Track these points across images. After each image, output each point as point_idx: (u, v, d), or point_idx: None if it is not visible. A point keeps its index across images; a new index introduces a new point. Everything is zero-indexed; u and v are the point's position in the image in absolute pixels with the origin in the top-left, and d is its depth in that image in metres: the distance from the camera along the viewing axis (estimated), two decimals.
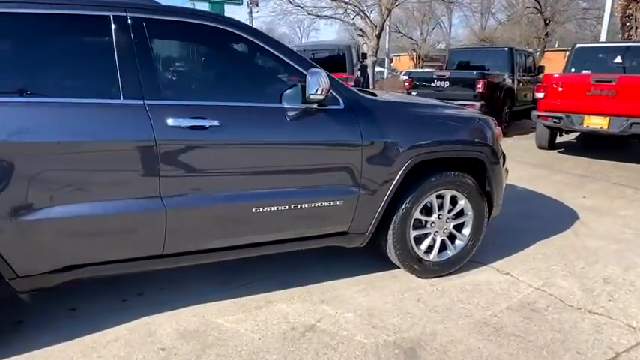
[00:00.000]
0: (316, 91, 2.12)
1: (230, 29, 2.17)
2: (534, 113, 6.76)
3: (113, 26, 1.97)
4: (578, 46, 7.35)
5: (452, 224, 2.81)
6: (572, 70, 6.99)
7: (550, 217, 3.99)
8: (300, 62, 2.32)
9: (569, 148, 7.51)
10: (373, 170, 2.46)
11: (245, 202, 2.23)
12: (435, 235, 2.78)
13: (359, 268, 2.92)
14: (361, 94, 2.54)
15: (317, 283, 2.73)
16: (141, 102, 1.98)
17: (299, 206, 2.34)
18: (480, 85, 7.91)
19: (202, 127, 2.07)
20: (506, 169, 3.03)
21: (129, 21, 2.00)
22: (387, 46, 18.84)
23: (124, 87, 1.97)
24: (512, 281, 2.81)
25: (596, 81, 6.03)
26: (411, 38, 30.23)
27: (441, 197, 2.73)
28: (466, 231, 2.86)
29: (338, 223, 2.50)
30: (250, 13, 26.52)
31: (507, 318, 2.39)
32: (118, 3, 2.00)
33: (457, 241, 2.87)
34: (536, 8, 19.84)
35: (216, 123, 2.10)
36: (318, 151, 2.34)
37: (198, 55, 2.18)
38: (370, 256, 2.95)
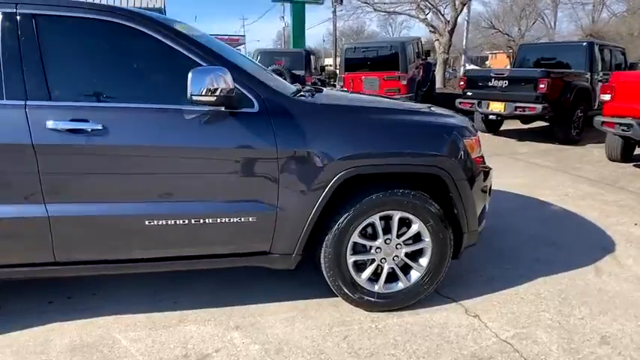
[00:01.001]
0: (200, 91, 1.86)
1: (127, 23, 1.99)
2: (598, 119, 5.72)
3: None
4: None
5: (404, 251, 2.36)
6: None
7: (575, 247, 3.26)
8: (214, 60, 2.06)
9: None
10: (294, 184, 2.13)
11: (136, 214, 2.04)
12: (381, 262, 2.36)
13: (302, 290, 2.59)
14: (289, 95, 2.21)
15: (246, 305, 2.47)
16: (22, 103, 1.89)
17: (201, 221, 2.09)
18: (542, 85, 6.90)
19: (83, 131, 1.92)
20: (483, 188, 2.47)
21: (17, 17, 1.91)
22: (464, 43, 17.51)
23: (7, 87, 1.89)
24: (476, 327, 2.29)
25: None
26: (507, 35, 27.92)
27: (388, 218, 2.30)
28: (423, 260, 2.39)
29: (254, 242, 2.21)
30: (334, 12, 26.59)
31: None
32: None
33: (413, 272, 2.41)
34: None
35: (99, 126, 1.93)
36: (221, 159, 2.06)
37: (92, 52, 2.04)
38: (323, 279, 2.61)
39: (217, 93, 1.89)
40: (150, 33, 2.02)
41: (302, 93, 2.35)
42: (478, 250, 3.15)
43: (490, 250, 3.19)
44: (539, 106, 6.81)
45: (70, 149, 1.93)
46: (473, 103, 7.81)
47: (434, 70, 11.81)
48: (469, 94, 7.87)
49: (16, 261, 2.05)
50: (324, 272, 2.31)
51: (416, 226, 2.32)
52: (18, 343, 2.15)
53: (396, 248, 2.35)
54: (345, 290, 2.33)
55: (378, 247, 2.33)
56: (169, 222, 2.07)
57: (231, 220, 2.12)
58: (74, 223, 2.01)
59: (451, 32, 14.24)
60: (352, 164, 2.14)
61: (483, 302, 2.52)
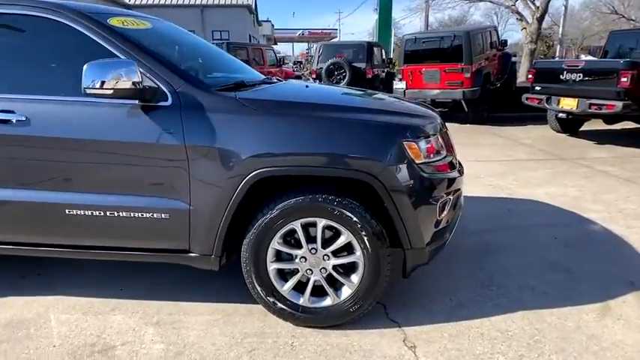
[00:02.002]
0: (93, 84, 1.83)
1: (50, 16, 2.05)
2: None
3: None
4: None
5: (332, 263, 2.12)
6: None
7: (591, 277, 2.66)
8: (132, 52, 2.04)
9: None
10: (205, 182, 2.02)
11: (57, 203, 2.11)
12: (307, 273, 2.15)
13: (241, 294, 2.47)
14: (208, 89, 2.07)
15: (180, 302, 2.44)
16: None
17: (116, 214, 2.09)
18: (624, 79, 5.77)
19: (8, 121, 2.03)
20: (434, 200, 2.10)
21: None
22: (560, 32, 15.44)
23: None
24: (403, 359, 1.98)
25: None
26: (632, 20, 24.24)
27: (314, 226, 2.08)
28: (355, 277, 2.13)
29: (171, 240, 2.15)
30: (427, 1, 25.77)
31: None
32: None
33: (344, 288, 2.16)
34: None
35: (23, 117, 2.03)
36: (133, 154, 2.02)
37: (19, 46, 2.13)
38: None
39: (113, 86, 1.85)
40: (73, 26, 2.05)
41: (246, 85, 2.23)
42: (463, 269, 2.77)
43: (478, 271, 2.76)
44: (619, 104, 5.72)
45: None
46: (541, 99, 6.86)
47: (514, 62, 10.60)
48: (537, 88, 6.92)
49: None
50: (245, 277, 2.18)
51: (344, 237, 2.06)
52: None
53: (324, 260, 2.12)
54: (265, 299, 2.17)
55: (302, 257, 2.12)
56: (87, 212, 2.11)
57: (145, 216, 2.09)
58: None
59: (540, 19, 12.62)
60: (264, 164, 1.97)
61: (431, 332, 2.17)
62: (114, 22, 2.17)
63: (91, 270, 2.78)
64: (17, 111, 2.04)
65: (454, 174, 2.26)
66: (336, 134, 2.00)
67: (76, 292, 2.54)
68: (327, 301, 2.17)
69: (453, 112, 9.86)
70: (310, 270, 2.14)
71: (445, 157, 2.24)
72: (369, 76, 10.49)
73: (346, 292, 2.15)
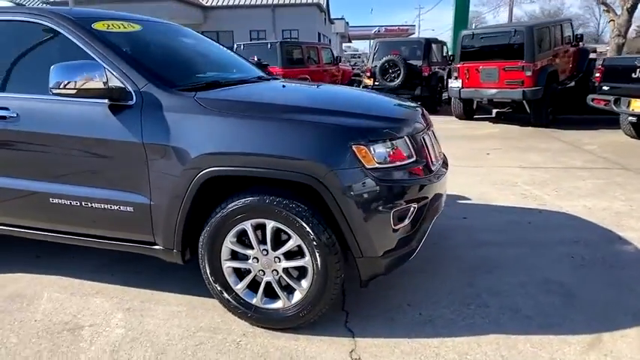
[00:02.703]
0: (57, 85, 1.99)
1: (43, 22, 2.26)
2: None
3: None
4: None
5: (282, 266, 2.10)
6: None
7: (593, 305, 2.34)
8: (105, 55, 2.18)
9: None
10: (162, 179, 2.11)
11: (43, 192, 2.33)
12: (259, 274, 2.15)
13: None
14: (169, 88, 2.14)
15: (157, 292, 2.57)
16: None
17: (89, 204, 2.26)
18: None
19: (3, 117, 2.28)
20: (387, 208, 1.97)
21: None
22: None
23: None
24: None
25: None
26: None
27: (264, 227, 2.07)
28: (305, 282, 2.08)
29: (137, 232, 2.27)
30: None
31: None
32: None
33: (296, 292, 2.13)
34: None
35: (14, 114, 2.27)
36: (101, 150, 2.17)
37: (16, 49, 2.38)
38: None
39: (77, 86, 2.00)
40: (58, 30, 2.25)
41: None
42: (450, 283, 2.60)
43: (465, 287, 2.56)
44: None
45: None
46: (608, 101, 6.12)
47: (592, 59, 9.53)
48: (605, 88, 6.17)
49: None
50: (202, 273, 2.23)
51: (292, 241, 2.03)
52: None
53: (275, 262, 2.10)
54: (220, 295, 2.21)
55: (255, 257, 2.13)
56: (66, 202, 2.30)
57: (113, 208, 2.23)
58: None
59: (631, 10, 11.16)
60: (214, 163, 2.00)
61: (383, 347, 2.06)
62: (98, 25, 2.34)
63: (93, 255, 3.02)
64: (11, 108, 2.29)
65: (423, 181, 2.12)
66: (282, 136, 1.97)
67: (74, 274, 2.79)
68: (279, 304, 2.15)
69: (516, 112, 9.19)
70: (263, 271, 2.14)
71: (413, 162, 2.11)
72: (426, 74, 10.06)
73: (297, 296, 2.12)
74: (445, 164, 2.63)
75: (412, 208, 2.08)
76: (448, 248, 3.08)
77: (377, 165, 1.96)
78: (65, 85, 2.00)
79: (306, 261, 2.04)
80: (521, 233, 3.33)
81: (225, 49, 3.32)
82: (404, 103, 2.67)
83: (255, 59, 9.81)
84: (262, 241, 2.10)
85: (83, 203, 2.28)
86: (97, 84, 2.03)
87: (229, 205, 2.05)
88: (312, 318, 2.12)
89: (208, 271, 2.19)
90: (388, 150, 2.02)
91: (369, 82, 10.51)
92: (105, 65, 2.14)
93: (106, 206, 2.24)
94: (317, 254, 1.99)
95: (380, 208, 1.96)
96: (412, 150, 2.13)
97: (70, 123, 2.21)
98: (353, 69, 14.19)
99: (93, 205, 2.26)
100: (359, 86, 11.96)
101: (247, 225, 2.07)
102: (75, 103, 2.19)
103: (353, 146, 1.92)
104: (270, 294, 2.17)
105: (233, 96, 2.27)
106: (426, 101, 10.58)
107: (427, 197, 2.15)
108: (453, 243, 3.17)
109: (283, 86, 2.72)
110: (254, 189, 2.06)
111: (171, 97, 2.12)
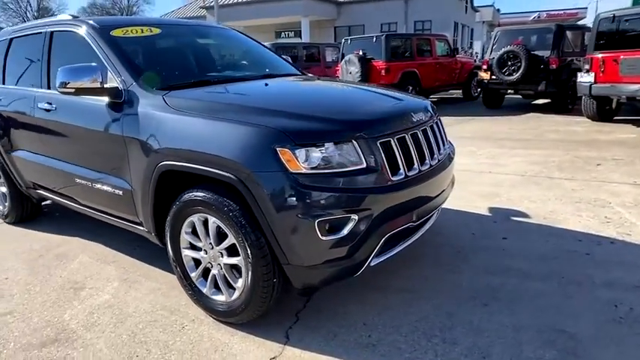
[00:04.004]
0: (61, 85, 2.36)
1: (76, 30, 2.73)
2: None
3: None
4: None
5: (224, 262, 2.15)
6: None
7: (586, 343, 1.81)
8: (108, 61, 2.52)
9: None
10: (136, 169, 2.36)
11: (69, 171, 2.83)
12: (209, 265, 2.24)
13: None
14: (147, 88, 2.37)
15: (155, 268, 2.88)
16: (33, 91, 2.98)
17: (90, 184, 2.68)
18: None
19: (48, 110, 2.82)
20: (310, 215, 1.83)
21: (44, 35, 2.97)
22: None
23: (33, 81, 3.02)
24: None
25: None
26: None
27: (207, 222, 2.15)
28: (241, 281, 2.10)
29: (126, 213, 2.58)
30: None
31: None
32: None
33: (236, 290, 2.16)
34: None
35: (54, 107, 2.79)
36: (100, 140, 2.52)
37: (55, 53, 2.95)
38: None
39: (75, 86, 2.36)
40: (84, 36, 2.67)
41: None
42: (432, 310, 2.31)
43: (443, 317, 2.24)
44: None
45: (40, 120, 2.88)
46: None
47: None
48: None
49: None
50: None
51: (229, 239, 2.07)
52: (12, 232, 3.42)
53: (218, 257, 2.17)
54: (180, 280, 2.38)
55: (204, 250, 2.23)
56: (81, 181, 2.75)
57: (107, 190, 2.58)
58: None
59: None
60: (166, 158, 2.16)
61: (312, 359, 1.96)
62: (116, 32, 2.70)
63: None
64: (52, 102, 2.81)
65: (376, 190, 1.93)
66: (218, 135, 2.01)
67: (111, 245, 3.28)
68: (222, 297, 2.21)
69: None
70: (210, 264, 2.23)
71: (360, 169, 1.93)
72: (554, 66, 8.57)
73: (236, 293, 2.15)
74: (449, 158, 2.53)
75: (352, 219, 1.91)
76: (457, 271, 2.70)
77: (304, 170, 1.85)
78: (67, 85, 2.38)
79: (239, 260, 2.06)
80: (564, 266, 2.72)
81: (258, 47, 3.45)
82: (390, 101, 2.46)
83: (360, 53, 9.79)
84: (208, 235, 2.18)
85: (90, 184, 2.69)
86: (93, 84, 2.36)
87: (182, 199, 2.18)
88: (249, 317, 2.13)
89: (172, 257, 2.37)
90: (323, 154, 1.89)
91: (486, 75, 9.51)
92: (108, 67, 2.47)
93: (105, 188, 2.60)
94: (249, 254, 1.99)
95: (301, 215, 1.85)
96: (362, 156, 1.95)
97: (83, 116, 2.63)
98: (475, 61, 12.93)
99: (97, 185, 2.65)
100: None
101: (195, 218, 2.18)
102: (88, 99, 2.57)
103: (277, 149, 1.85)
104: (218, 286, 2.25)
105: (199, 96, 2.38)
106: (554, 98, 9.16)
107: (380, 207, 1.94)
108: (467, 266, 2.76)
109: (266, 85, 2.73)
110: (203, 185, 2.15)
111: (147, 96, 2.34)
